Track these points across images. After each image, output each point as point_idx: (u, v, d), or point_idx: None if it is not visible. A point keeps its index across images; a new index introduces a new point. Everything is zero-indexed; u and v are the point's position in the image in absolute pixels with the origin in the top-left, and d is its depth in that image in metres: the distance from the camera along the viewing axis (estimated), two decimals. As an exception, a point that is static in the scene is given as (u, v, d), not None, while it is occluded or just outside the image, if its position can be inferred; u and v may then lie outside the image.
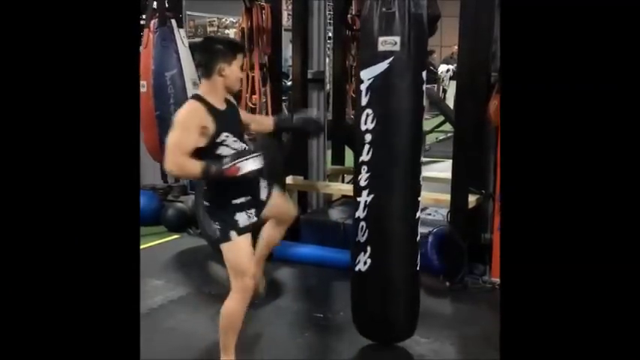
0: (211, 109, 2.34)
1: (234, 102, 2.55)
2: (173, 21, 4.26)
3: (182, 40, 4.27)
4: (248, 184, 2.44)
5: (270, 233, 2.78)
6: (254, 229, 2.57)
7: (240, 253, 2.42)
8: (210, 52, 2.36)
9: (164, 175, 5.33)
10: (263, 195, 2.58)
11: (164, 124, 4.19)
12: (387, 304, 2.65)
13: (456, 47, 3.78)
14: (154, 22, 4.22)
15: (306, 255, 3.85)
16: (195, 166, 2.25)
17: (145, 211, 4.75)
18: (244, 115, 2.67)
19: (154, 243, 4.42)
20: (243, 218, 2.44)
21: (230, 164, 2.25)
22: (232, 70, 2.35)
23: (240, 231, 2.43)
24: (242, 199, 2.45)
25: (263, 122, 2.85)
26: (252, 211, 2.49)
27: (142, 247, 4.30)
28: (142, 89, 4.30)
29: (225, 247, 2.43)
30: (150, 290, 3.51)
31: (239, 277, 2.40)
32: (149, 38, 4.22)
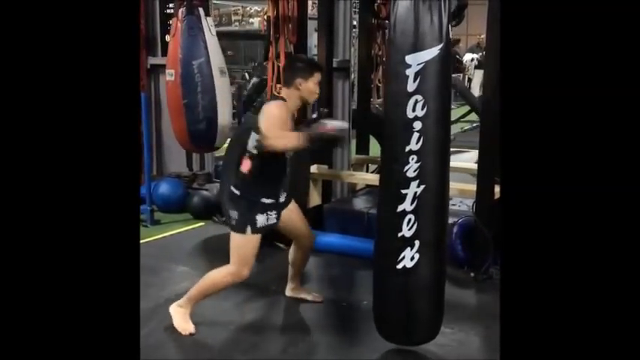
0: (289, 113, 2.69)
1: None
2: (201, 9, 4.27)
3: (209, 28, 4.29)
4: (277, 184, 2.74)
5: (294, 256, 3.09)
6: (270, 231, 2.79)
7: (248, 247, 2.68)
8: (292, 68, 2.79)
9: (190, 163, 5.40)
10: (282, 198, 2.80)
11: (191, 112, 4.23)
12: (431, 301, 2.58)
13: (483, 36, 3.73)
14: (181, 11, 4.24)
15: (330, 244, 3.86)
16: (294, 135, 2.56)
17: (170, 199, 4.82)
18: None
19: (179, 230, 4.47)
20: (262, 219, 2.69)
21: (327, 124, 2.62)
22: (307, 86, 2.71)
23: (256, 230, 2.68)
24: (270, 200, 2.71)
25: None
26: (274, 213, 2.74)
27: (168, 233, 4.37)
28: (170, 78, 4.33)
29: (237, 237, 2.69)
30: (176, 276, 3.56)
31: (238, 265, 2.69)
32: (177, 27, 4.24)
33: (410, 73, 2.39)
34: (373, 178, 4.48)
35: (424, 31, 2.39)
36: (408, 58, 2.40)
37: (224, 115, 4.29)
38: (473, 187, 3.58)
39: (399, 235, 2.47)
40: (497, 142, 3.47)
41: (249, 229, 2.66)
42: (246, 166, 2.67)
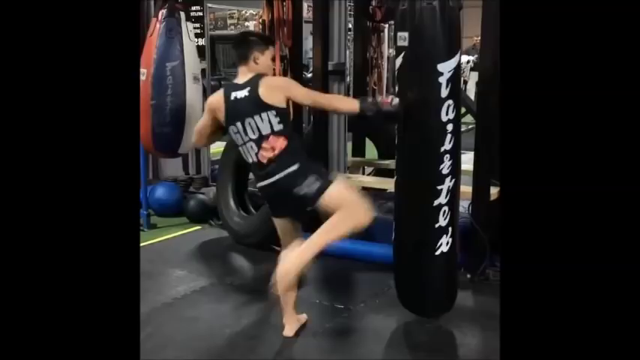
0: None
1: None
2: (182, 13, 4.22)
3: (188, 33, 4.22)
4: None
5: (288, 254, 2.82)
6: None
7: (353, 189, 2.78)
8: (247, 43, 2.72)
9: (186, 167, 5.39)
10: (305, 190, 2.60)
11: (158, 114, 4.11)
12: (455, 275, 2.97)
13: (478, 38, 3.75)
14: (162, 12, 4.18)
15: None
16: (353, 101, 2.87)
17: (167, 203, 4.81)
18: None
19: (176, 234, 4.47)
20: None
21: (387, 98, 2.72)
22: (265, 60, 2.71)
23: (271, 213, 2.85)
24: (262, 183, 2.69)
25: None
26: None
27: (164, 237, 4.36)
28: (142, 77, 4.23)
29: (335, 187, 2.68)
30: (173, 280, 3.55)
31: (360, 207, 2.69)
32: (155, 27, 4.16)
33: (443, 80, 2.61)
34: (370, 181, 4.49)
35: (451, 39, 2.62)
36: (440, 67, 2.60)
37: (192, 121, 4.20)
38: (469, 188, 3.59)
39: (437, 225, 2.73)
40: (493, 143, 3.49)
41: (331, 176, 2.73)
42: (278, 143, 2.62)
